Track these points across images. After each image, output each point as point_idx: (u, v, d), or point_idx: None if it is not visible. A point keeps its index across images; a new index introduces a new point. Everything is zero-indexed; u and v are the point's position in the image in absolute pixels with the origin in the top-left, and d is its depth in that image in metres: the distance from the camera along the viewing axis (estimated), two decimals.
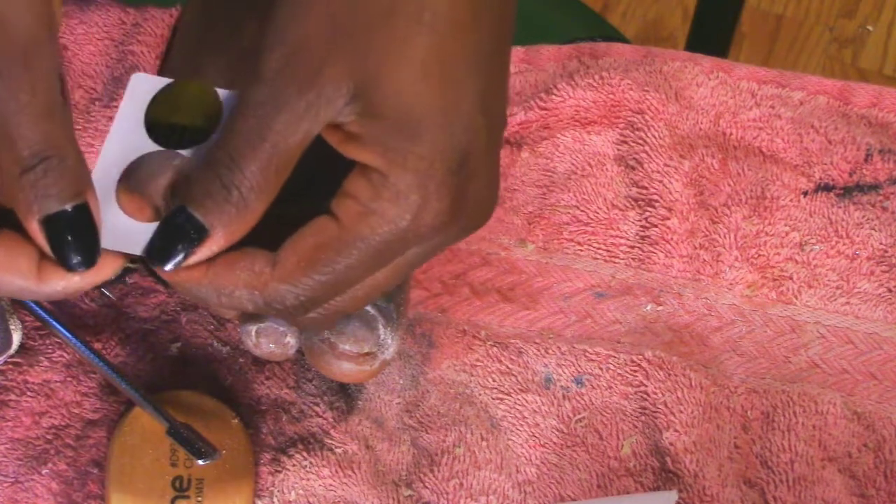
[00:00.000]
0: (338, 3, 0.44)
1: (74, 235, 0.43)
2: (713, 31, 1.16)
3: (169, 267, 0.45)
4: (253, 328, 0.52)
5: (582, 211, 0.65)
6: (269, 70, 0.44)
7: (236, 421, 0.58)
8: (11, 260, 0.44)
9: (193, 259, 0.45)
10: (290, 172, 0.44)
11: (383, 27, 0.43)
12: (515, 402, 0.61)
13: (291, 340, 0.55)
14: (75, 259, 0.44)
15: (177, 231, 0.45)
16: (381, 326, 0.53)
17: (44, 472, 0.57)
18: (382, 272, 0.46)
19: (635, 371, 0.61)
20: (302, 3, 0.44)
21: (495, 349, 0.61)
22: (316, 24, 0.44)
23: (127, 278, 0.61)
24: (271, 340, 0.54)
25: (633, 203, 0.65)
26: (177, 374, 0.60)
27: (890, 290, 0.64)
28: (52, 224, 0.43)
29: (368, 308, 0.54)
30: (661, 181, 0.65)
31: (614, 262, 0.64)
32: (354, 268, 0.45)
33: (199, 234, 0.44)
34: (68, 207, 0.43)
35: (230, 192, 0.44)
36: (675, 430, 0.60)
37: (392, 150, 0.43)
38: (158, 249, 0.45)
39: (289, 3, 0.44)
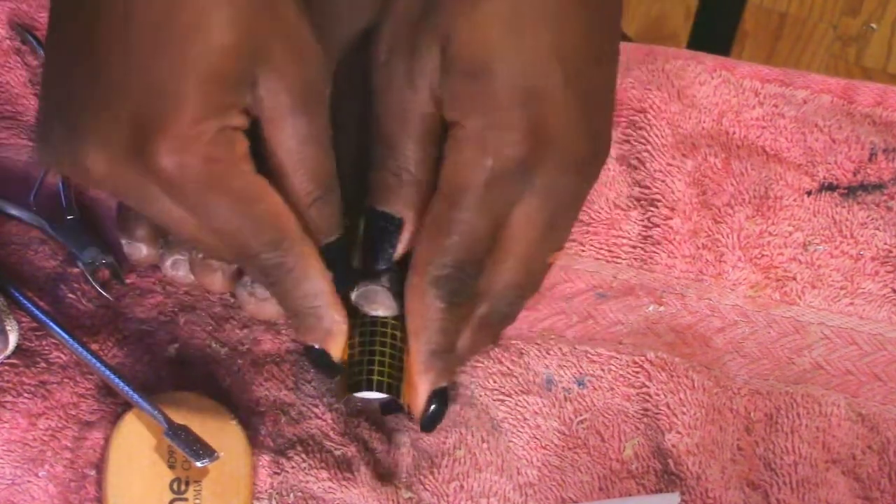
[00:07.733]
0: None
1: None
2: (716, 29, 1.16)
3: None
4: (170, 259, 0.55)
5: (583, 210, 0.64)
6: (381, 54, 0.48)
7: (234, 422, 0.58)
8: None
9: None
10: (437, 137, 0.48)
11: None
12: (516, 404, 0.60)
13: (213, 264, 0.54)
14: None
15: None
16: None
17: (41, 474, 0.57)
18: (522, 235, 0.49)
19: (637, 372, 0.61)
20: None
21: (496, 350, 0.61)
22: (407, 4, 0.48)
23: (125, 279, 0.61)
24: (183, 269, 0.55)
25: (635, 203, 0.65)
26: (175, 376, 0.60)
27: (894, 291, 0.64)
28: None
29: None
30: (663, 181, 0.64)
31: (616, 263, 0.64)
32: (474, 222, 0.47)
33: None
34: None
35: (400, 175, 0.47)
36: (678, 432, 0.60)
37: (462, 98, 0.46)
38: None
39: None
